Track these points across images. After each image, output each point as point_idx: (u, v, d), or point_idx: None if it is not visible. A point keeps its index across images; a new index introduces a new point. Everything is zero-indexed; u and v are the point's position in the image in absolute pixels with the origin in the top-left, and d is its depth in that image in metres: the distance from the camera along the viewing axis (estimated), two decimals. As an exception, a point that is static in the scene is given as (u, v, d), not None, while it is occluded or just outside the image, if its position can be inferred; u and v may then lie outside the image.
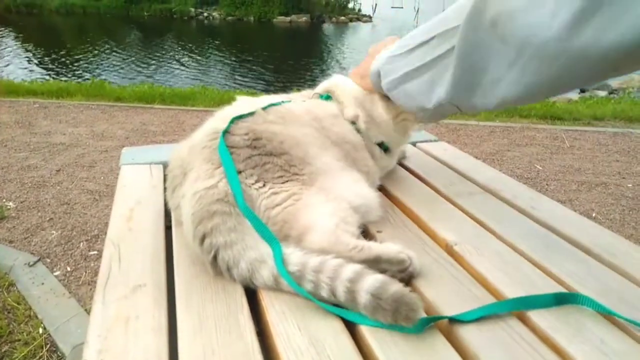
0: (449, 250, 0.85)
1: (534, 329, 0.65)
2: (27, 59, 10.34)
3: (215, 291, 0.71)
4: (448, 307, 0.68)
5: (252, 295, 0.72)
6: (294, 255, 0.71)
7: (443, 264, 0.80)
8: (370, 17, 25.47)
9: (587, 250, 0.86)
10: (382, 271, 0.75)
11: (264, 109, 0.95)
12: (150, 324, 0.64)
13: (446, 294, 0.72)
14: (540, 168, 3.61)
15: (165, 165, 1.15)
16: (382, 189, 1.09)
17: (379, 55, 0.95)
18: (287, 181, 0.84)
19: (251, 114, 0.92)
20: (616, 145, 4.13)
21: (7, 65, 9.52)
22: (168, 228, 0.92)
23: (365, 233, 0.90)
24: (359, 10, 26.65)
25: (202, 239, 0.75)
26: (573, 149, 4.02)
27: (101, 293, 0.71)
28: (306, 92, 1.15)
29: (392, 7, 30.30)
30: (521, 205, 1.03)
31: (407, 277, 0.76)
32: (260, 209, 0.81)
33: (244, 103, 1.01)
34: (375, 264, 0.76)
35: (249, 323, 0.64)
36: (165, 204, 0.97)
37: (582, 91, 7.06)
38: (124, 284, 0.73)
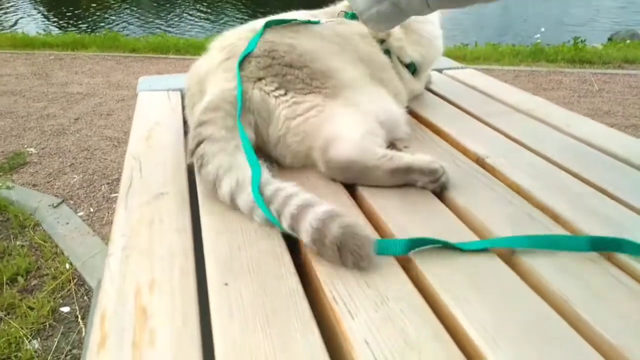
0: (481, 163, 0.81)
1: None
2: (39, 12, 10.23)
3: (239, 198, 0.69)
4: (482, 211, 0.66)
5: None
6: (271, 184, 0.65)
7: (475, 175, 0.77)
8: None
9: (626, 161, 0.81)
10: (413, 182, 0.73)
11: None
12: (174, 226, 0.63)
13: (480, 200, 0.69)
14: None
15: (182, 93, 1.12)
16: (408, 111, 1.04)
17: None
18: (309, 93, 0.81)
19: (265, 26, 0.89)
20: (647, 88, 3.95)
21: (21, 18, 9.43)
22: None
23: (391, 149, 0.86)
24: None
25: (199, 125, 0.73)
26: (602, 92, 3.85)
27: (123, 200, 0.69)
28: (330, 10, 1.09)
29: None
30: (555, 123, 0.98)
31: (439, 188, 0.72)
32: (280, 119, 0.78)
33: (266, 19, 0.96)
34: (406, 174, 0.73)
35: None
36: (185, 127, 0.95)
37: (610, 39, 6.72)
38: (147, 192, 0.71)
